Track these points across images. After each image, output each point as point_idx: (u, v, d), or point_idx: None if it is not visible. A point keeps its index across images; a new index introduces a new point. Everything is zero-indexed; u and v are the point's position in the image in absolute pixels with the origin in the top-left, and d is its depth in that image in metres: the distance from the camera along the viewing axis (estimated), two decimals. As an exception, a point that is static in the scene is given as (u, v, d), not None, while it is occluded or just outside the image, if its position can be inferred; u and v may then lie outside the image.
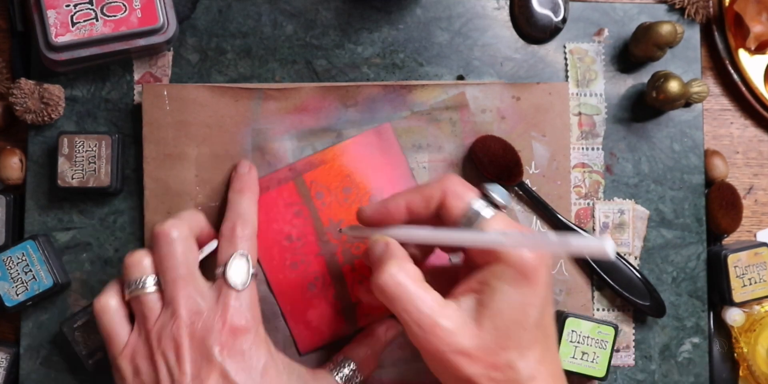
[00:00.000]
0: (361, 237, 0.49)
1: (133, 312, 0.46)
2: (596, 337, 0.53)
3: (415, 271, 0.43)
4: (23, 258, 0.52)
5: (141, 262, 0.46)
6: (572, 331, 0.53)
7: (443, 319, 0.41)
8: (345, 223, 0.54)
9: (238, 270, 0.46)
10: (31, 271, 0.52)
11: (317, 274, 0.54)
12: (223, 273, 0.46)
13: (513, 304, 0.41)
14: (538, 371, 0.41)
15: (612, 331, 0.53)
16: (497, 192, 0.43)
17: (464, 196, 0.44)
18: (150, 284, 0.46)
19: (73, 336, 0.52)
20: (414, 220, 0.46)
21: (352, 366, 0.50)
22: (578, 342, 0.53)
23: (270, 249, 0.54)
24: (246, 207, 0.50)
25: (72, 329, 0.52)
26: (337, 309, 0.54)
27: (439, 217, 0.45)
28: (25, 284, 0.52)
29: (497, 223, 0.43)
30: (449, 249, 0.51)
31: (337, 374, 0.50)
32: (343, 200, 0.54)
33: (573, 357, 0.53)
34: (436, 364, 0.42)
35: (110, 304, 0.46)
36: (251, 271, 0.47)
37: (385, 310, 0.49)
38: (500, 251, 0.41)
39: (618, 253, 0.55)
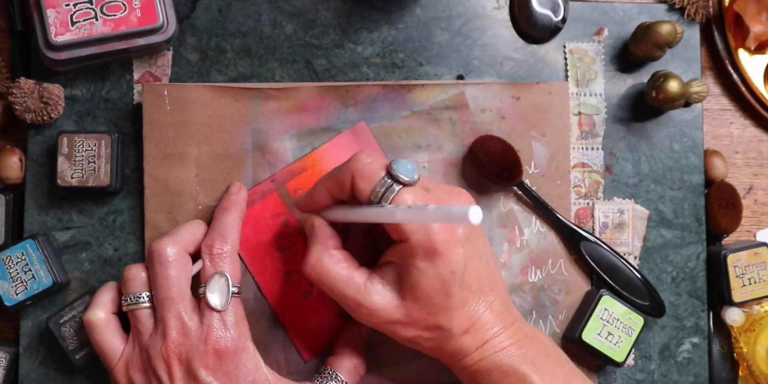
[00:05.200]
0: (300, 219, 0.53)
1: (129, 322, 0.49)
2: (625, 322, 0.54)
3: (337, 255, 0.47)
4: (23, 257, 0.52)
5: (137, 277, 0.49)
6: (605, 309, 0.54)
7: (369, 296, 0.46)
8: None
9: (217, 291, 0.47)
10: (30, 270, 0.52)
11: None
12: (204, 294, 0.47)
13: (429, 277, 0.45)
14: (471, 323, 0.46)
15: (641, 320, 0.54)
16: (401, 168, 0.44)
17: (372, 175, 0.45)
18: (145, 300, 0.48)
19: (60, 332, 0.52)
20: (342, 202, 0.49)
21: (340, 377, 0.50)
22: (608, 321, 0.53)
23: (262, 261, 0.54)
24: (228, 224, 0.50)
25: (58, 325, 0.52)
26: (335, 312, 0.54)
27: (355, 197, 0.47)
28: (24, 283, 0.52)
29: (405, 197, 0.45)
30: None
31: None
32: None
33: (599, 334, 0.53)
34: (379, 330, 0.47)
35: (100, 318, 0.49)
36: (231, 290, 0.47)
37: None
38: (407, 230, 0.44)
39: (618, 253, 0.55)
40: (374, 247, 0.51)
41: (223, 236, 0.50)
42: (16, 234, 0.54)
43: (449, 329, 0.46)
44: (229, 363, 0.46)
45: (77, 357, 0.52)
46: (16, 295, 0.52)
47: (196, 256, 0.50)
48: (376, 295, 0.46)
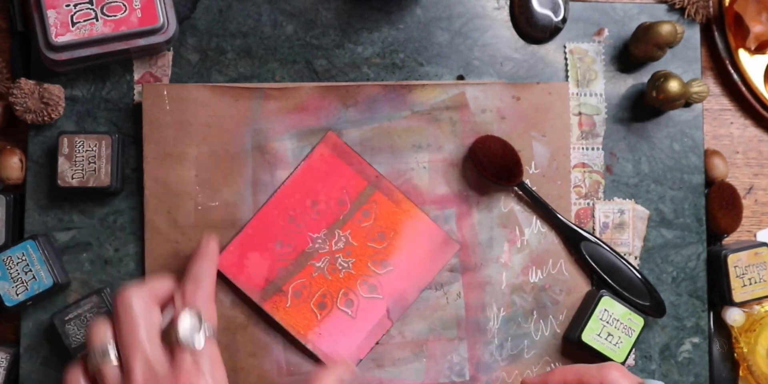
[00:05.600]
0: None
1: None
2: (625, 323, 0.54)
3: None
4: (23, 258, 0.52)
5: (101, 331, 0.45)
6: (605, 310, 0.54)
7: None
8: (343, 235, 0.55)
9: (186, 326, 0.44)
10: (31, 270, 0.52)
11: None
12: (177, 337, 0.44)
13: None
14: None
15: (641, 321, 0.54)
16: None
17: None
18: (111, 356, 0.45)
19: (64, 329, 0.52)
20: None
21: None
22: (607, 322, 0.53)
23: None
24: (202, 271, 0.48)
25: (63, 322, 0.52)
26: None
27: None
28: (25, 284, 0.52)
29: None
30: None
31: None
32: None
33: (598, 335, 0.53)
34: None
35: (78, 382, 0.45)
36: (204, 328, 0.45)
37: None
38: None
39: (618, 253, 0.55)
40: None
41: (196, 282, 0.47)
42: (17, 234, 0.54)
43: None
44: None
45: (79, 355, 0.52)
46: (17, 295, 0.52)
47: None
48: None
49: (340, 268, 0.54)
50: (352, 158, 0.55)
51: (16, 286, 0.52)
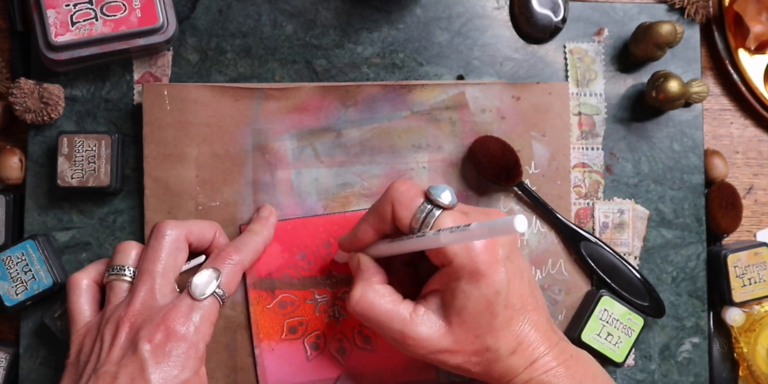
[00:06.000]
0: (346, 261, 0.52)
1: (106, 296, 0.48)
2: (625, 323, 0.54)
3: (380, 290, 0.47)
4: (23, 258, 0.52)
5: (128, 251, 0.49)
6: (604, 309, 0.54)
7: (415, 327, 0.45)
8: (345, 279, 0.54)
9: (204, 281, 0.47)
10: (30, 270, 0.52)
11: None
12: (190, 281, 0.47)
13: (474, 299, 0.44)
14: (518, 343, 0.46)
15: (641, 321, 0.54)
16: (440, 192, 0.45)
17: (410, 203, 0.46)
18: (127, 273, 0.48)
19: (56, 326, 0.52)
20: (385, 235, 0.49)
21: None
22: (607, 322, 0.53)
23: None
24: (248, 243, 0.51)
25: (54, 319, 0.52)
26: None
27: (398, 227, 0.47)
28: (24, 284, 0.52)
29: (445, 221, 0.45)
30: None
31: None
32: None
33: (598, 335, 0.53)
34: (427, 361, 0.47)
35: (81, 282, 0.48)
36: (217, 289, 0.47)
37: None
38: (449, 253, 0.44)
39: (618, 253, 0.55)
40: (416, 279, 0.51)
41: (239, 250, 0.50)
42: (17, 234, 0.54)
43: (496, 350, 0.45)
44: (173, 346, 0.44)
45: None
46: (17, 295, 0.52)
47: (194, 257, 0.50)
48: (421, 326, 0.45)
49: (335, 314, 0.54)
50: None
51: (16, 285, 0.52)
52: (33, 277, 0.52)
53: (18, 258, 0.52)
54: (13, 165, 0.54)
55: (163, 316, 0.45)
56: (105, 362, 0.44)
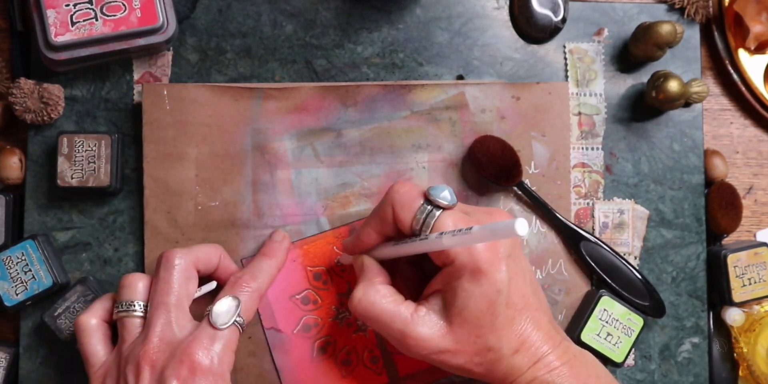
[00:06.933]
0: (350, 262, 0.52)
1: (118, 333, 0.47)
2: (625, 323, 0.54)
3: (382, 290, 0.47)
4: (23, 258, 0.52)
5: (135, 284, 0.48)
6: (604, 309, 0.54)
7: (416, 327, 0.45)
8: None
9: (224, 309, 0.46)
10: (30, 270, 0.52)
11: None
12: (210, 310, 0.46)
13: (475, 298, 0.44)
14: (521, 342, 0.45)
15: (641, 321, 0.54)
16: (439, 193, 0.45)
17: (410, 204, 0.46)
18: (138, 309, 0.47)
19: (56, 325, 0.52)
20: (388, 237, 0.49)
21: None
22: (607, 322, 0.53)
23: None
24: (263, 268, 0.50)
25: (53, 318, 0.52)
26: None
27: (400, 229, 0.47)
28: (24, 284, 0.52)
29: (446, 222, 0.45)
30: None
31: None
32: (341, 271, 0.55)
33: (598, 335, 0.53)
34: (428, 362, 0.46)
35: (90, 323, 0.48)
36: (237, 314, 0.46)
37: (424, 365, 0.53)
38: (450, 253, 0.44)
39: (618, 253, 0.55)
40: (422, 278, 0.51)
41: (254, 276, 0.49)
42: (16, 234, 0.54)
43: (499, 349, 0.45)
44: (201, 381, 0.44)
45: (77, 347, 0.52)
46: (16, 295, 0.52)
47: (205, 281, 0.51)
48: (422, 326, 0.45)
49: (362, 326, 0.55)
50: None
51: (16, 285, 0.52)
52: (33, 277, 0.52)
53: (18, 258, 0.52)
54: (13, 165, 0.54)
55: (185, 351, 0.44)
56: None
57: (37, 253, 0.52)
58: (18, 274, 0.52)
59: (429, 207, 0.45)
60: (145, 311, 0.47)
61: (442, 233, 0.43)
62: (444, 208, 0.45)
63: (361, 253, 0.50)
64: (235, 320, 0.46)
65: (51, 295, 0.53)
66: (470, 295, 0.44)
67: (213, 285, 0.50)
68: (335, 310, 0.54)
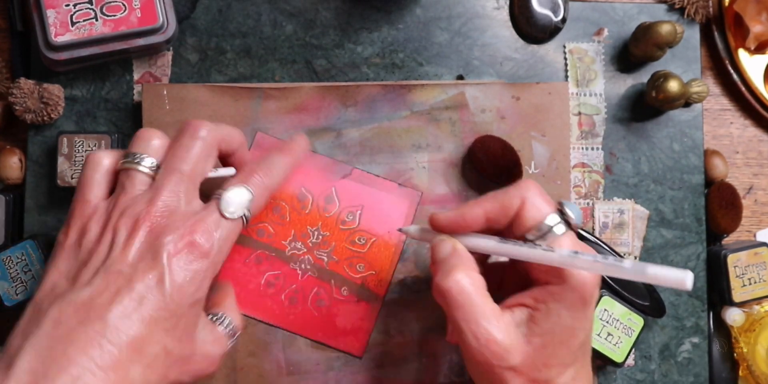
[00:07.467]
0: (426, 239, 0.48)
1: (117, 182, 0.44)
2: (625, 323, 0.54)
3: (480, 281, 0.43)
4: (23, 258, 0.52)
5: (150, 140, 0.44)
6: (605, 309, 0.54)
7: (500, 334, 0.41)
8: (320, 231, 0.54)
9: (236, 198, 0.43)
10: (30, 270, 0.52)
11: (278, 274, 0.54)
12: (220, 195, 0.43)
13: (565, 326, 0.42)
14: None
15: (641, 321, 0.54)
16: (572, 210, 0.43)
17: (541, 208, 0.43)
18: (147, 164, 0.43)
19: None
20: (490, 229, 0.45)
21: (231, 325, 0.47)
22: (607, 322, 0.53)
23: (260, 303, 0.54)
24: (279, 165, 0.47)
25: None
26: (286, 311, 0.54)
27: (510, 226, 0.44)
28: (24, 284, 0.52)
29: (566, 241, 0.42)
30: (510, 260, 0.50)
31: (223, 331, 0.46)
32: (323, 210, 0.54)
33: (598, 335, 0.53)
34: (482, 373, 0.43)
35: (103, 161, 0.44)
36: (246, 207, 0.44)
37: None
38: (565, 274, 0.41)
39: (618, 253, 0.55)
40: (493, 283, 0.47)
41: (270, 170, 0.46)
42: (17, 234, 0.54)
43: None
44: (195, 262, 0.41)
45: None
46: (16, 295, 0.52)
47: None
48: (507, 335, 0.41)
49: (325, 254, 0.54)
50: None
51: (16, 285, 0.52)
52: (33, 277, 0.52)
53: (18, 258, 0.52)
54: (13, 165, 0.54)
55: (189, 227, 0.41)
56: (118, 260, 0.40)
57: (37, 253, 0.52)
58: (18, 274, 0.52)
59: (558, 220, 0.42)
60: (155, 171, 0.43)
61: (576, 252, 0.41)
62: (569, 228, 0.43)
63: (453, 232, 0.45)
64: (244, 213, 0.43)
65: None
66: (562, 322, 0.41)
67: (231, 171, 0.47)
68: (289, 249, 0.54)
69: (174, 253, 0.40)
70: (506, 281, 0.48)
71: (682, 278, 0.35)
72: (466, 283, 0.42)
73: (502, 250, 0.43)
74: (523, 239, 0.43)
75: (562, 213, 0.43)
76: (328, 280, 0.54)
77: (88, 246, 0.41)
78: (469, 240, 0.45)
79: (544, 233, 0.42)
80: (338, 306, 0.54)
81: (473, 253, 0.44)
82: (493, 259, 0.50)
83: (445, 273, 0.42)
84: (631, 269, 0.38)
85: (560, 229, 0.42)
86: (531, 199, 0.43)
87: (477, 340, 0.41)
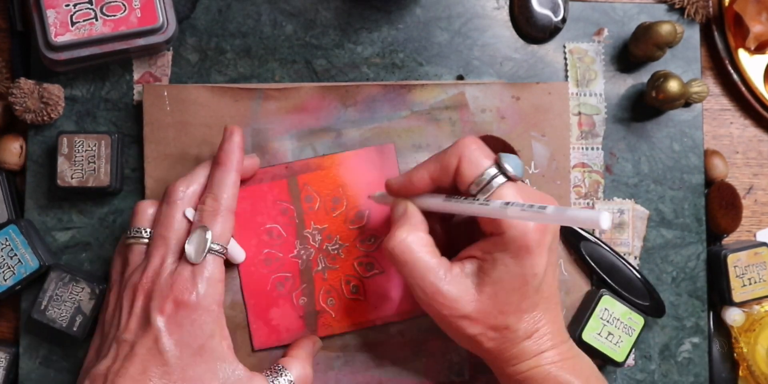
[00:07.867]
0: (386, 203, 0.51)
1: (125, 256, 0.50)
2: (626, 322, 0.54)
3: (425, 238, 0.46)
4: (7, 243, 0.52)
5: (145, 212, 0.49)
6: (605, 309, 0.54)
7: (447, 285, 0.45)
8: (327, 231, 0.54)
9: (194, 243, 0.47)
10: (16, 255, 0.52)
11: (288, 275, 0.54)
12: (184, 245, 0.47)
13: (513, 274, 0.44)
14: (535, 330, 0.46)
15: (641, 320, 0.54)
16: (511, 162, 0.44)
17: (479, 163, 0.45)
18: (146, 235, 0.49)
19: (45, 317, 0.52)
20: (439, 188, 0.47)
21: (290, 377, 0.49)
22: (608, 321, 0.53)
23: (248, 240, 0.53)
24: (222, 182, 0.49)
25: (41, 312, 0.52)
26: (300, 314, 0.53)
27: (454, 183, 0.46)
28: (11, 269, 0.52)
29: (507, 192, 0.44)
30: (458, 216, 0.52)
31: (273, 381, 0.48)
32: (330, 210, 0.54)
33: (599, 334, 0.53)
34: (441, 324, 0.47)
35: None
36: (210, 246, 0.46)
37: (347, 323, 0.53)
38: (504, 224, 0.43)
39: (618, 253, 0.55)
40: (447, 237, 0.50)
41: (215, 195, 0.48)
42: (19, 211, 0.54)
43: (515, 330, 0.45)
44: (185, 316, 0.45)
45: (75, 329, 0.51)
46: (5, 281, 0.52)
47: None
48: (454, 286, 0.45)
49: (334, 253, 0.54)
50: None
51: (3, 271, 0.52)
52: (19, 261, 0.52)
53: (2, 244, 0.52)
54: (14, 150, 0.54)
55: (170, 287, 0.45)
56: (125, 329, 0.46)
57: (21, 237, 0.52)
58: (4, 259, 0.52)
59: (496, 172, 0.44)
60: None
61: (507, 203, 0.42)
62: (509, 179, 0.44)
63: (404, 196, 0.49)
64: (210, 249, 0.46)
65: (39, 277, 0.52)
66: (509, 270, 0.44)
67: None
68: (297, 239, 0.54)
69: (162, 314, 0.45)
70: (470, 237, 0.49)
71: (597, 218, 0.36)
72: (409, 242, 0.45)
73: (446, 206, 0.46)
74: (469, 195, 0.45)
75: (500, 166, 0.44)
76: (309, 284, 0.54)
77: (108, 320, 0.48)
78: (420, 201, 0.48)
79: (482, 186, 0.44)
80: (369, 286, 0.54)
81: (434, 213, 0.48)
82: (459, 217, 0.52)
83: (390, 234, 0.46)
84: (552, 214, 0.39)
85: (499, 181, 0.44)
86: (468, 155, 0.45)
87: (424, 293, 0.45)
